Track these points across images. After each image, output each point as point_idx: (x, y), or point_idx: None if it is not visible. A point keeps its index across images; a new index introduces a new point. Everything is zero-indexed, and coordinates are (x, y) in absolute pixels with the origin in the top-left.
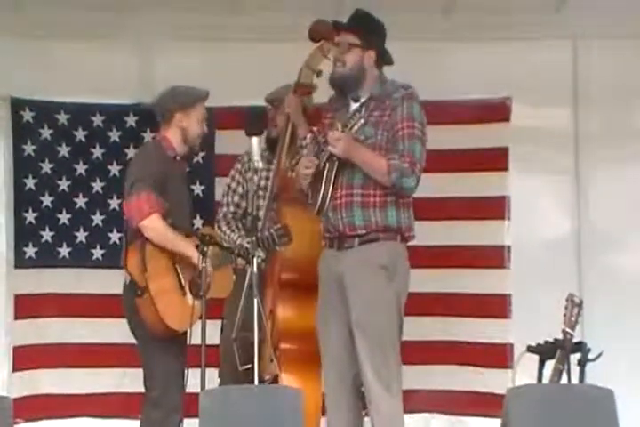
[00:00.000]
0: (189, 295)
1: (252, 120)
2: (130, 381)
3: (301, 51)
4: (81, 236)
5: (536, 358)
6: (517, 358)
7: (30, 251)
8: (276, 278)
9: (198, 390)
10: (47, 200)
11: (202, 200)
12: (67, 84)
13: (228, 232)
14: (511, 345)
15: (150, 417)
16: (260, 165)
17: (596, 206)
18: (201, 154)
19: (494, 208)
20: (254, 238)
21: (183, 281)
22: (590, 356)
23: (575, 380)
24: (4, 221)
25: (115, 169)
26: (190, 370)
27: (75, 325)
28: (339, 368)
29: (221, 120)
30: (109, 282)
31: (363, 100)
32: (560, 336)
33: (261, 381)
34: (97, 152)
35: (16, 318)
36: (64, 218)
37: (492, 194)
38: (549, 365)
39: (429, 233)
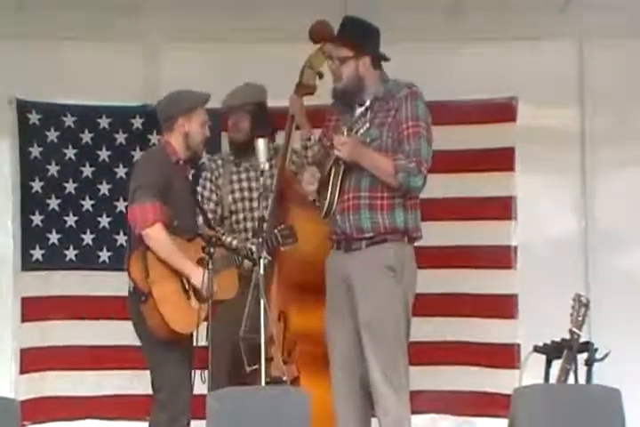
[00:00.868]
0: (194, 299)
1: (257, 122)
2: (137, 383)
3: (306, 52)
4: (87, 238)
5: (543, 358)
6: (524, 358)
7: (37, 253)
8: (290, 280)
9: (204, 391)
10: (54, 203)
11: None
12: (73, 86)
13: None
14: (518, 345)
15: (158, 419)
16: (267, 166)
17: (602, 206)
18: (207, 156)
19: (501, 208)
20: (260, 240)
21: (187, 285)
22: (597, 356)
23: (582, 380)
24: (10, 224)
25: (121, 171)
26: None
27: (81, 327)
28: (346, 369)
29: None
30: (116, 284)
31: (367, 103)
32: (567, 336)
33: (278, 382)
34: (103, 154)
35: (23, 320)
36: (71, 220)
37: (499, 194)
38: (556, 365)
39: (435, 233)
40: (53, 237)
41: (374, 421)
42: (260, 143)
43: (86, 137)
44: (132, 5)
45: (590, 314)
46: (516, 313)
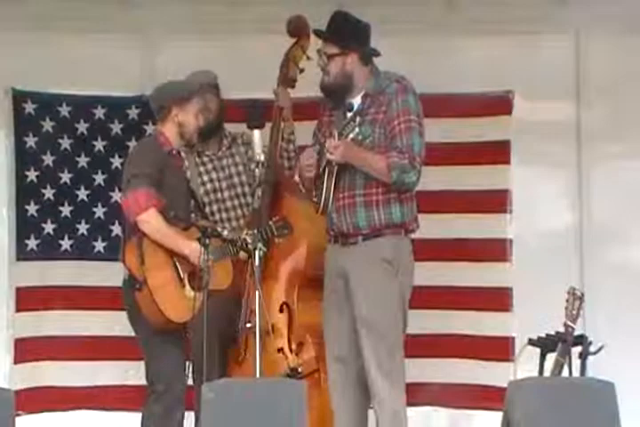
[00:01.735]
0: (188, 287)
1: (253, 113)
2: (132, 374)
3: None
4: (82, 228)
5: (537, 351)
6: (519, 351)
7: (32, 243)
8: (298, 274)
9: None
10: (49, 193)
11: None
12: (68, 76)
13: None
14: (513, 338)
15: (153, 411)
16: (262, 158)
17: (597, 200)
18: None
19: (496, 201)
20: (255, 231)
21: (182, 273)
22: (591, 349)
23: (576, 373)
24: (5, 214)
25: (116, 161)
26: None
27: (76, 317)
28: (343, 362)
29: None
30: (111, 274)
31: (357, 104)
32: (561, 329)
33: (294, 375)
34: (99, 144)
35: (18, 310)
36: (66, 210)
37: (494, 187)
38: (551, 358)
39: (431, 226)
40: (48, 228)
41: (371, 413)
42: (256, 135)
43: (82, 127)
44: None
45: (585, 307)
46: (511, 306)
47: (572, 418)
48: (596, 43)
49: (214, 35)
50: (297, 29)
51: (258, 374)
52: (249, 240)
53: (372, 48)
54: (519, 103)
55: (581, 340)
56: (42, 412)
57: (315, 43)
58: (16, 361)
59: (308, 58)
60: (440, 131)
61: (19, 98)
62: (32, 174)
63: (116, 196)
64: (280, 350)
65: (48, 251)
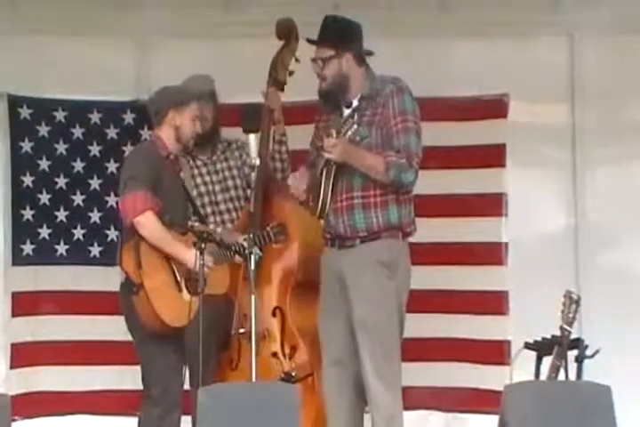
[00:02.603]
0: (185, 291)
1: (247, 117)
2: (128, 378)
3: (299, 48)
4: (78, 233)
5: (533, 354)
6: (515, 354)
7: (27, 248)
8: (290, 278)
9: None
10: (44, 197)
11: None
12: (64, 81)
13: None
14: (508, 342)
15: (150, 415)
16: (258, 162)
17: (593, 203)
18: None
19: (491, 205)
20: (251, 235)
21: (179, 277)
22: (587, 352)
23: (572, 376)
24: (1, 219)
25: (112, 166)
26: None
27: (72, 322)
28: (339, 365)
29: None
30: (107, 279)
31: (355, 103)
32: (557, 333)
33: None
34: (94, 149)
35: (13, 315)
36: (61, 215)
37: (490, 190)
38: (547, 361)
39: (426, 230)
40: (44, 232)
41: (366, 417)
42: (252, 138)
43: (77, 132)
44: (124, 0)
45: (581, 311)
46: (507, 310)
47: (568, 422)
48: (591, 46)
49: (210, 39)
50: (285, 32)
51: (254, 379)
52: (245, 245)
53: (366, 49)
54: (514, 106)
55: (577, 343)
56: (38, 417)
57: (308, 49)
58: (12, 366)
59: (297, 60)
60: (435, 134)
61: (14, 103)
62: (28, 179)
63: (112, 200)
64: (274, 354)
65: (44, 256)
